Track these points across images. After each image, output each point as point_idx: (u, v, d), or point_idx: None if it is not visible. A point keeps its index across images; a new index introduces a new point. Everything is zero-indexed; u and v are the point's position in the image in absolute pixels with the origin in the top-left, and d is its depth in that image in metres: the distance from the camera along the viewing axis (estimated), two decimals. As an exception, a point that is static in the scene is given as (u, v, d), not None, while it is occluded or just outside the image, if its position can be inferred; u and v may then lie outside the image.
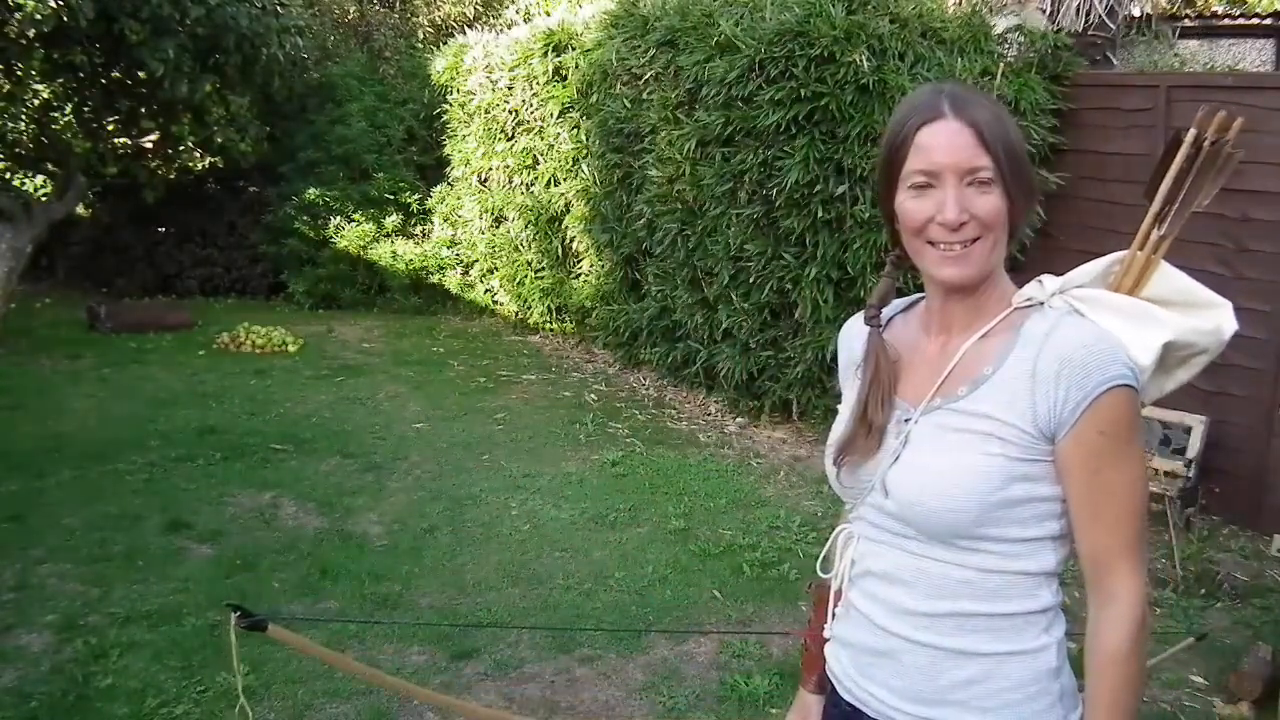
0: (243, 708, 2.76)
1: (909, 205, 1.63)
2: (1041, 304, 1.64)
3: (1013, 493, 1.58)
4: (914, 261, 1.69)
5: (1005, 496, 1.58)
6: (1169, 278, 1.78)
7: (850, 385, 1.83)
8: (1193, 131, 1.74)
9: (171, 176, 12.10)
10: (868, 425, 1.71)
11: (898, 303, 1.84)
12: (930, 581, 1.65)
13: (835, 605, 1.84)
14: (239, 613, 2.39)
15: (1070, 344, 1.56)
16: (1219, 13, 9.97)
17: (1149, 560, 1.69)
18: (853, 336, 1.86)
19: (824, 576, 1.85)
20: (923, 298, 1.78)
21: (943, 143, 1.59)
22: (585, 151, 9.30)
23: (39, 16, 8.49)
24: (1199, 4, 9.60)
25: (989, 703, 1.62)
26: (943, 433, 1.63)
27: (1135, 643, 1.56)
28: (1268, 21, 10.05)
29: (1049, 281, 1.65)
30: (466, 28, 12.78)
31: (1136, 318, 1.63)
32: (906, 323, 1.81)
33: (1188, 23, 8.22)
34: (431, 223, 11.94)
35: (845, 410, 1.79)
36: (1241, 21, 10.02)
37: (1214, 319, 1.71)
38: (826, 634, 1.86)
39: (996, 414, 1.58)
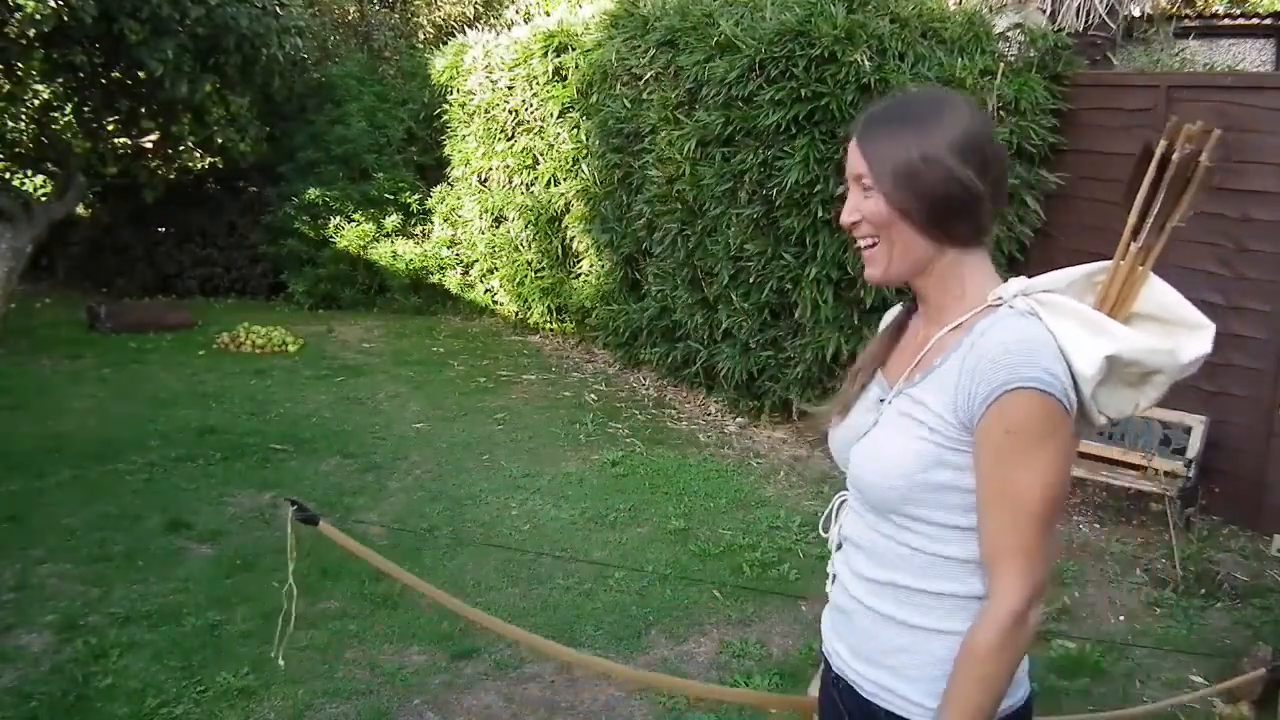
0: (290, 589, 2.81)
1: None
2: (1003, 302, 1.68)
3: (935, 477, 1.67)
4: None
5: (928, 480, 1.67)
6: (1157, 292, 1.77)
7: None
8: (1162, 143, 1.73)
9: (171, 176, 12.10)
10: (845, 390, 1.91)
11: None
12: (877, 551, 1.78)
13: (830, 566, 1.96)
14: (295, 506, 2.48)
15: (994, 342, 1.62)
16: (1219, 13, 9.97)
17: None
18: (889, 314, 1.98)
19: (824, 536, 1.97)
20: None
21: (848, 152, 1.78)
22: (585, 151, 9.30)
23: (39, 16, 8.49)
24: (1199, 4, 9.60)
25: (913, 673, 1.74)
26: (897, 415, 1.74)
27: (998, 646, 1.60)
28: (1268, 21, 10.05)
29: (1016, 282, 1.70)
30: (466, 28, 12.78)
31: (1089, 326, 1.63)
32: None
33: (1187, 22, 8.21)
34: (431, 223, 11.94)
35: None
36: (1241, 21, 10.02)
37: (1174, 341, 1.70)
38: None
39: (930, 403, 1.68)
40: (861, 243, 1.79)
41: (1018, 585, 1.59)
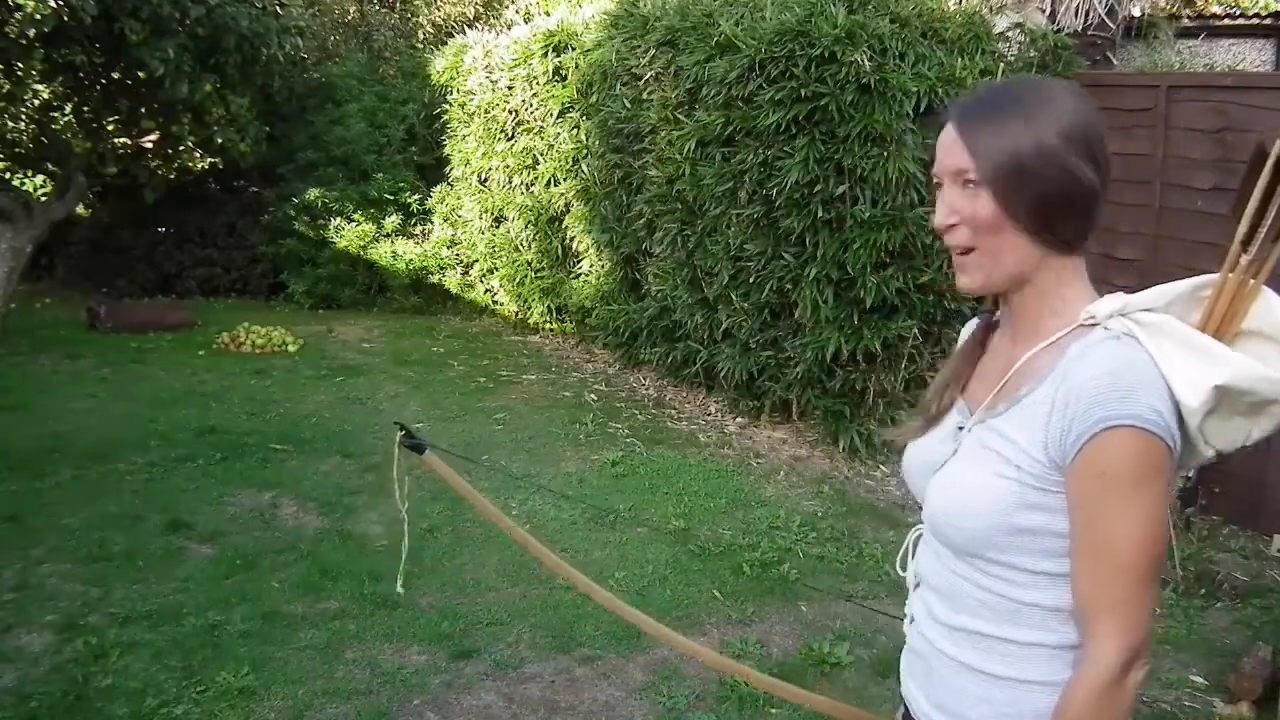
0: (404, 515, 2.88)
1: None
2: (1097, 323, 1.53)
3: (1022, 520, 1.53)
4: None
5: (1013, 523, 1.53)
6: (1271, 309, 1.59)
7: None
8: (1279, 145, 1.57)
9: (171, 176, 12.10)
10: (926, 409, 1.74)
11: None
12: (953, 593, 1.64)
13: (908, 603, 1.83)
14: (404, 431, 2.50)
15: (1089, 371, 1.46)
16: (1219, 13, 9.97)
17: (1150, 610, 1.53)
18: (968, 328, 1.83)
19: (902, 574, 1.84)
20: None
21: (941, 145, 1.60)
22: (585, 151, 9.30)
23: (39, 16, 8.49)
24: (1199, 4, 9.60)
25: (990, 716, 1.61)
26: (979, 448, 1.60)
27: (1089, 707, 1.46)
28: (1268, 21, 10.05)
29: (1111, 300, 1.53)
30: (467, 28, 12.78)
31: (1196, 352, 1.47)
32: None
33: (1187, 22, 8.21)
34: (431, 223, 11.95)
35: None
36: (1241, 21, 10.02)
37: None
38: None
39: (1017, 437, 1.53)
40: (956, 248, 1.60)
41: (1115, 645, 1.44)
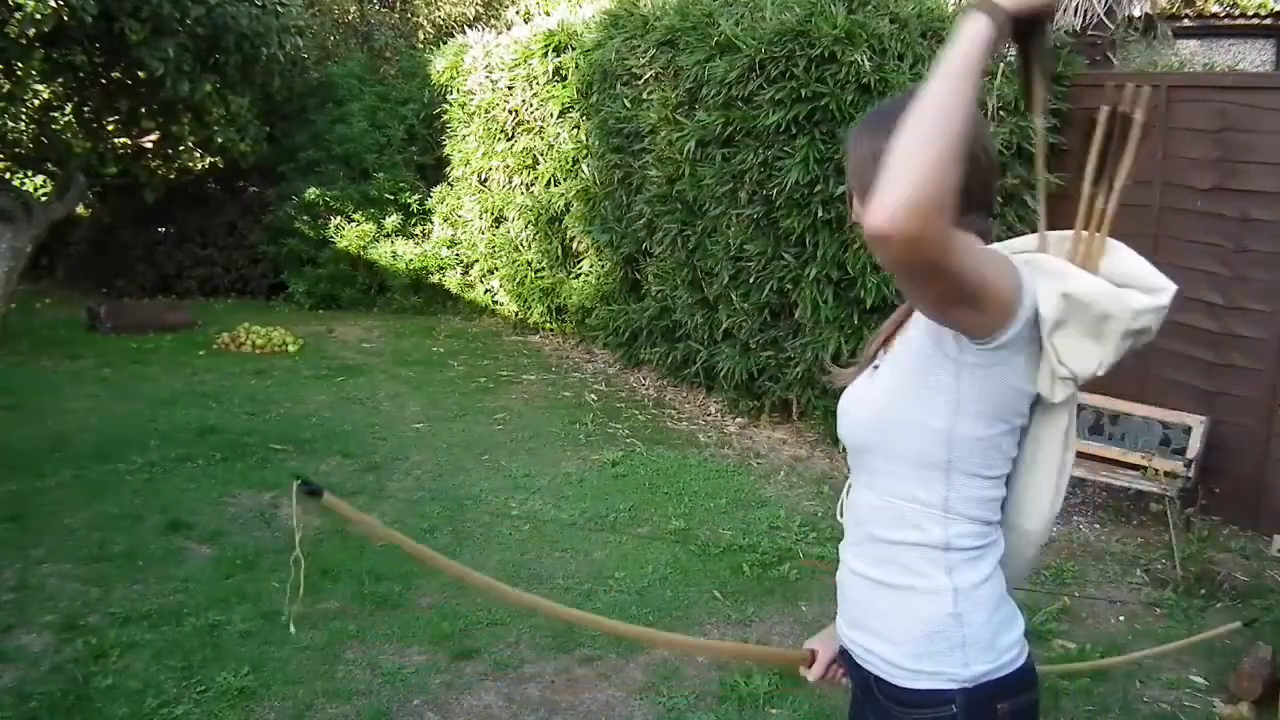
0: (297, 559, 2.82)
1: None
2: None
3: (898, 411, 1.73)
4: None
5: (892, 415, 1.74)
6: (1120, 259, 1.75)
7: None
8: (1104, 108, 1.77)
9: (171, 176, 12.11)
10: (861, 360, 1.94)
11: None
12: (858, 509, 1.84)
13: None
14: (299, 480, 2.50)
15: None
16: (1218, 13, 9.97)
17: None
18: None
19: (840, 520, 1.98)
20: None
21: None
22: (585, 151, 9.30)
23: (39, 16, 8.49)
24: (1198, 4, 9.60)
25: (894, 634, 1.77)
26: (873, 373, 1.84)
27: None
28: (1268, 21, 10.05)
29: (997, 247, 1.75)
30: (467, 28, 12.79)
31: (1052, 273, 1.67)
32: None
33: (1187, 23, 8.22)
34: (431, 223, 11.95)
35: None
36: (1241, 22, 10.03)
37: (1128, 291, 1.68)
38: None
39: (900, 350, 1.78)
40: None
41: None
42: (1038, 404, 1.74)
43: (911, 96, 1.52)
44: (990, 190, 1.78)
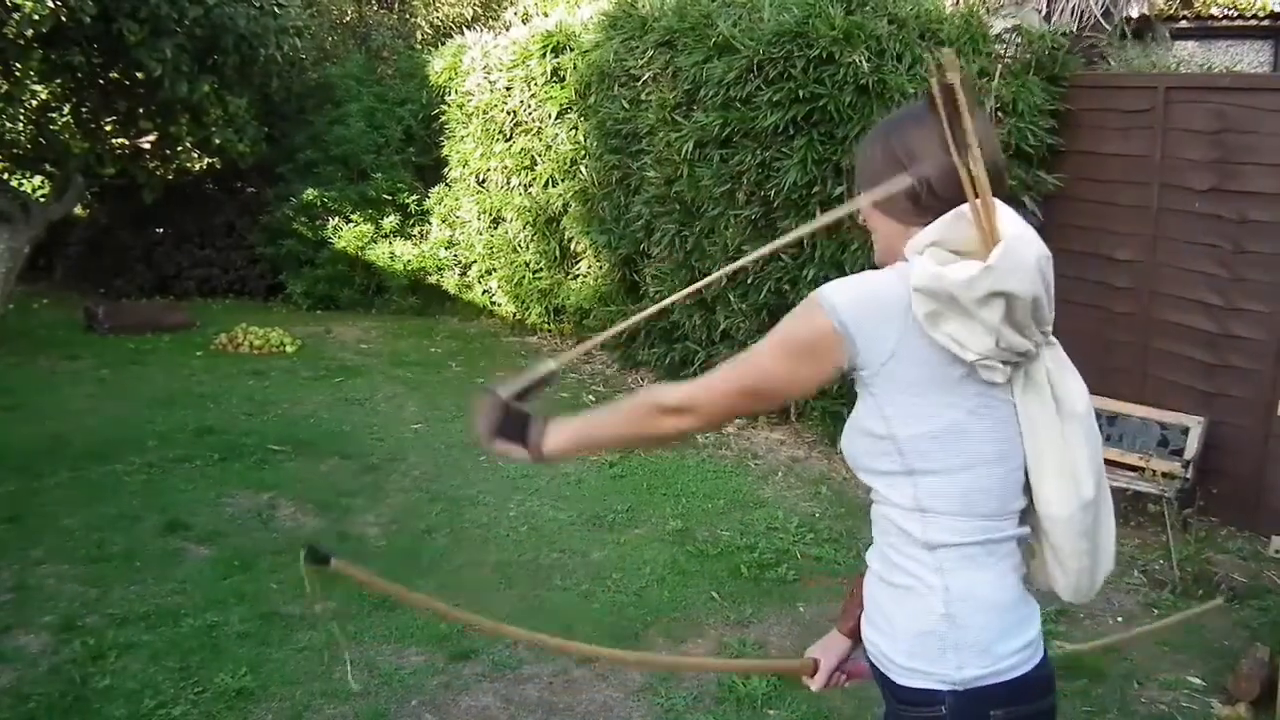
0: (332, 631, 2.83)
1: None
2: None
3: (861, 422, 1.81)
4: None
5: (856, 427, 1.83)
6: (1005, 219, 1.72)
7: None
8: (933, 82, 1.77)
9: (169, 177, 12.07)
10: None
11: None
12: (872, 514, 1.90)
13: None
14: (308, 549, 2.50)
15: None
16: (1216, 14, 9.98)
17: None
18: None
19: None
20: None
21: None
22: (583, 152, 9.30)
23: (37, 17, 8.48)
24: (1196, 5, 9.61)
25: (893, 631, 1.81)
26: None
27: (635, 406, 1.92)
28: (1265, 23, 10.06)
29: (910, 242, 1.79)
30: (465, 28, 12.78)
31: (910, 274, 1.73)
32: None
33: (1184, 24, 8.22)
34: (429, 223, 11.94)
35: None
36: (1239, 23, 10.03)
37: (954, 266, 1.69)
38: None
39: None
40: None
41: (682, 388, 1.85)
42: (1002, 388, 1.75)
43: (919, 108, 1.83)
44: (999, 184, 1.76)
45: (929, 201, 1.77)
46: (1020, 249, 1.67)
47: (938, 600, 1.75)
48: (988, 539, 1.77)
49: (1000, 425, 1.76)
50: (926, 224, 1.76)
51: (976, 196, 1.68)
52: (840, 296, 1.75)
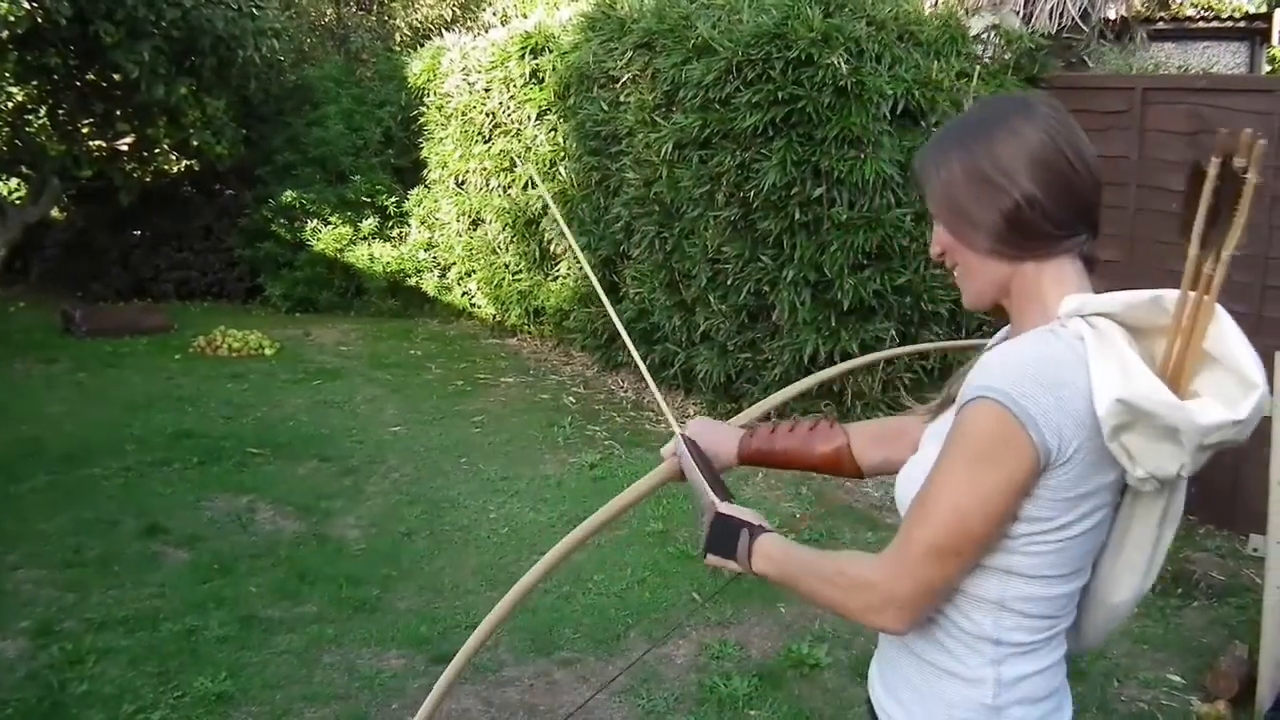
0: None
1: None
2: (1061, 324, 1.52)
3: None
4: None
5: None
6: (1224, 333, 1.51)
7: None
8: (1215, 161, 1.48)
9: (147, 179, 12.02)
10: (932, 407, 1.79)
11: None
12: None
13: None
14: None
15: (1001, 351, 1.51)
16: (1193, 16, 10.05)
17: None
18: (995, 339, 1.83)
19: None
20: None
21: None
22: (563, 154, 9.30)
23: (13, 18, 8.44)
24: (1173, 7, 9.67)
25: (920, 711, 1.64)
26: (927, 441, 1.69)
27: (826, 584, 1.60)
28: (1242, 25, 10.13)
29: (1072, 300, 1.52)
30: (444, 30, 12.77)
31: (1119, 364, 1.44)
32: None
33: (1162, 26, 8.27)
34: (409, 225, 11.92)
35: None
36: (1216, 25, 10.10)
37: (1201, 404, 1.48)
38: None
39: (943, 427, 1.60)
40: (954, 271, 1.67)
41: (881, 575, 1.53)
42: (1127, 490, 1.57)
43: (1003, 112, 1.60)
44: (1091, 207, 1.63)
45: (1042, 227, 1.56)
46: (1263, 402, 1.47)
47: (988, 692, 1.58)
48: (1052, 633, 1.62)
49: (1105, 531, 1.63)
50: (1037, 255, 1.57)
51: (1203, 293, 1.48)
52: (1040, 396, 1.44)
